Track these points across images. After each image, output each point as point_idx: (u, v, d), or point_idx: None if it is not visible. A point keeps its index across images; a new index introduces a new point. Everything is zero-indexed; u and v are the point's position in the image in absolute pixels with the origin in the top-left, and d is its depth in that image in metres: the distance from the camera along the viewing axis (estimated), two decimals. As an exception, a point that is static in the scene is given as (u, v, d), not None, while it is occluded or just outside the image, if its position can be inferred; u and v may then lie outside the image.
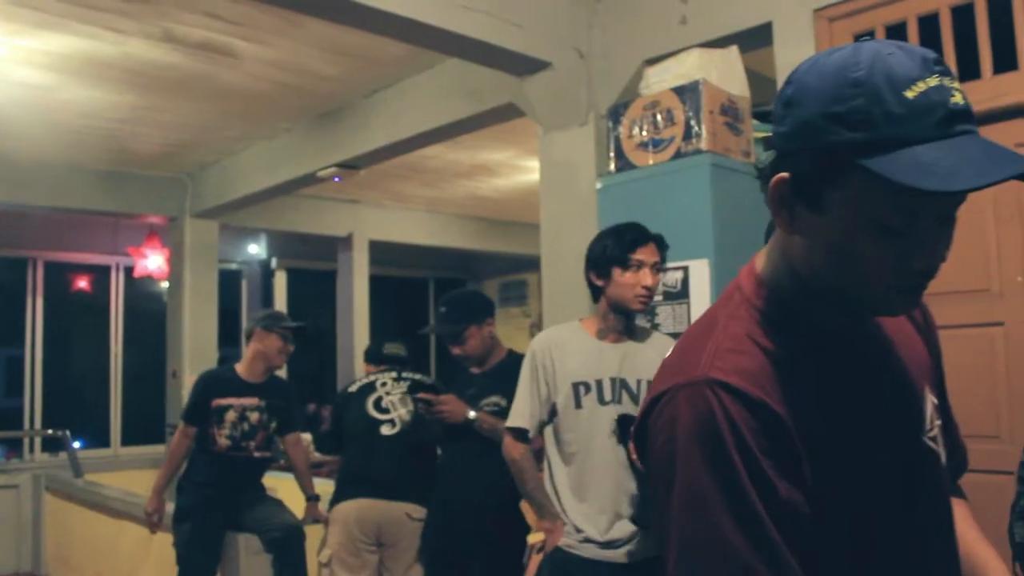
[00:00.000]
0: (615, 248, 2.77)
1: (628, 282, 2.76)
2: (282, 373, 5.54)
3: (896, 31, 3.42)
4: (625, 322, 2.85)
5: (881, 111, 0.89)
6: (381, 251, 9.41)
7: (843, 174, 0.92)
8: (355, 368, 8.20)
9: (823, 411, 1.01)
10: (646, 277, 2.75)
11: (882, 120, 0.89)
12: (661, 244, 2.82)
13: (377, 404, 4.18)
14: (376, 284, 9.43)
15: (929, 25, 3.34)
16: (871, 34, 3.47)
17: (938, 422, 1.16)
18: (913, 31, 3.36)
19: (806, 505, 0.96)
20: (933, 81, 0.90)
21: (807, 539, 0.94)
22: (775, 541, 0.92)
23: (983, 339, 3.10)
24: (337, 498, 4.08)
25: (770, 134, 1.03)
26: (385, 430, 4.12)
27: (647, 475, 1.07)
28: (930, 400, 1.16)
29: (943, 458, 1.15)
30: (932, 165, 0.87)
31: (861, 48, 0.94)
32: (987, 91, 3.15)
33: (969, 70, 3.22)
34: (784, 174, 0.98)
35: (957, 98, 0.92)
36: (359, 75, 5.42)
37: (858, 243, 0.95)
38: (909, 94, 0.89)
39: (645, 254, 2.76)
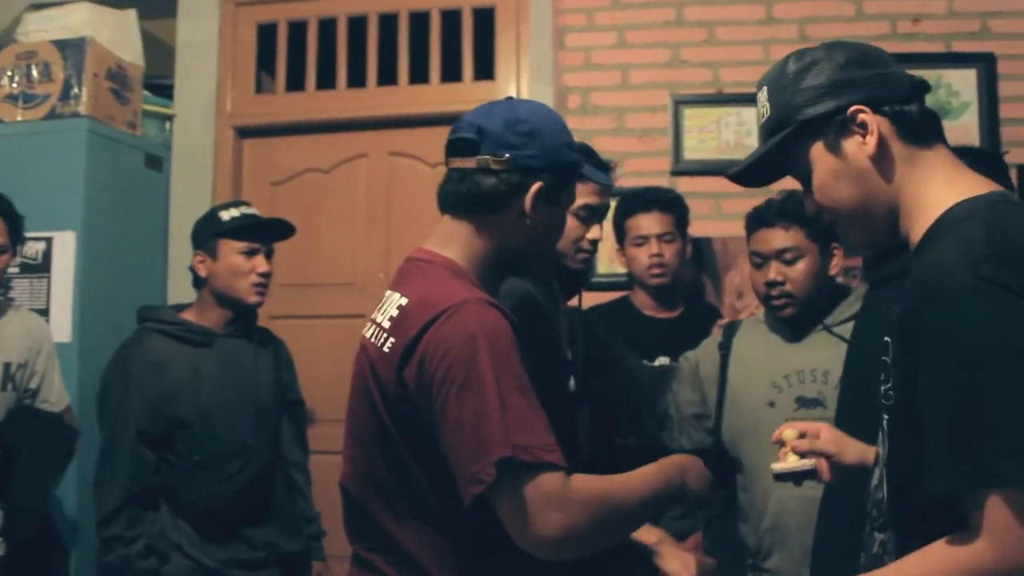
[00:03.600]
0: None
1: None
2: None
3: (297, 28, 3.53)
4: None
5: (578, 144, 1.55)
6: None
7: (571, 182, 1.51)
8: None
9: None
10: None
11: (582, 149, 1.58)
12: (9, 216, 2.45)
13: None
14: None
15: (327, 28, 3.50)
16: (274, 26, 3.54)
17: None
18: (313, 31, 3.50)
19: None
20: None
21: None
22: (540, 407, 1.27)
23: (347, 329, 3.30)
24: None
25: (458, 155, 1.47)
26: None
27: (430, 380, 1.27)
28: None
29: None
30: (597, 175, 1.60)
31: (554, 112, 1.56)
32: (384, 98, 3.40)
33: (358, 77, 3.45)
34: (540, 182, 1.42)
35: None
36: None
37: (568, 224, 1.59)
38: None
39: None
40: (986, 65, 3.07)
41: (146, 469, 2.27)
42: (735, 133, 3.08)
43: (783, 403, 2.17)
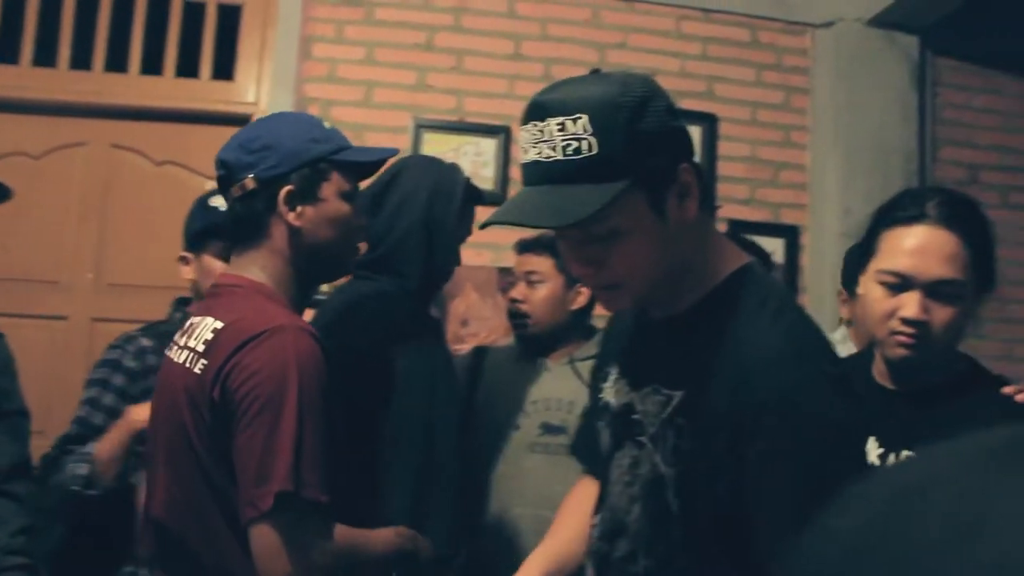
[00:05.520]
0: None
1: None
2: None
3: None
4: None
5: (332, 134, 1.49)
6: None
7: (327, 173, 1.45)
8: None
9: None
10: None
11: (333, 137, 1.47)
12: None
13: None
14: None
15: (51, 7, 3.22)
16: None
17: None
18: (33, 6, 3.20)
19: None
20: (327, 123, 1.53)
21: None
22: (325, 437, 1.28)
23: (47, 331, 3.03)
24: None
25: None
26: None
27: (232, 396, 1.27)
28: None
29: None
30: (362, 154, 1.54)
31: (301, 113, 1.64)
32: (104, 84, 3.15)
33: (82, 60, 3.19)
34: (289, 186, 1.42)
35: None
36: None
37: (342, 211, 1.47)
38: (326, 124, 1.52)
39: None
40: (709, 125, 3.29)
41: None
42: (472, 163, 3.10)
43: (528, 427, 2.26)
